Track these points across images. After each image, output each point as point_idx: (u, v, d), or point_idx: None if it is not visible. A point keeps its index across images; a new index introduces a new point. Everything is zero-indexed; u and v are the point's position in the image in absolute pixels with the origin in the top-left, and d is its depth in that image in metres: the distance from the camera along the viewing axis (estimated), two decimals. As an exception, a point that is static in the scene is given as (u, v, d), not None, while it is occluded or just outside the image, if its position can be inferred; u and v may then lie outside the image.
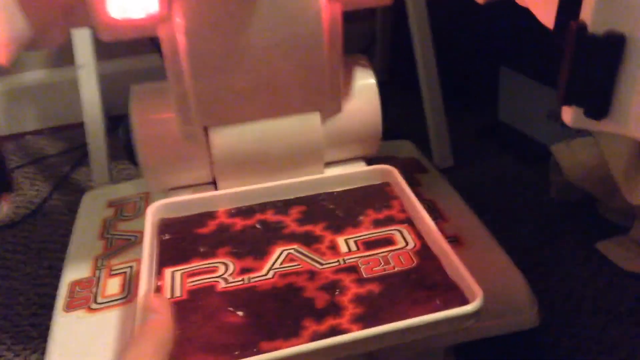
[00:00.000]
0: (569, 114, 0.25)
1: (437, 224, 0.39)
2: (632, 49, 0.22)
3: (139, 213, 0.53)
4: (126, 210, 0.54)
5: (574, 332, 0.51)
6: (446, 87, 0.73)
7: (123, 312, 0.42)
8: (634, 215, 0.57)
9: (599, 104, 0.24)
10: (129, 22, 0.36)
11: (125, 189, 0.58)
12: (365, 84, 0.47)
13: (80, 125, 0.71)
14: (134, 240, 0.49)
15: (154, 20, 0.37)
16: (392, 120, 0.48)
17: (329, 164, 0.48)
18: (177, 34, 0.39)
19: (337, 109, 0.45)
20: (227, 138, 0.43)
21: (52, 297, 0.45)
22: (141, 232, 0.49)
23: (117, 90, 0.59)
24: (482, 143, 0.80)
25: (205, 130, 0.43)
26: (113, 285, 0.45)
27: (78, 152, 0.84)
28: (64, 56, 0.89)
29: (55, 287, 0.46)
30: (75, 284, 0.46)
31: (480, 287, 0.33)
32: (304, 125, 0.44)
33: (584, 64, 0.23)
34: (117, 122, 0.47)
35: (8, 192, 0.31)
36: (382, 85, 0.47)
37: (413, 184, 0.53)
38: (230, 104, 0.42)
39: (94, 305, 0.43)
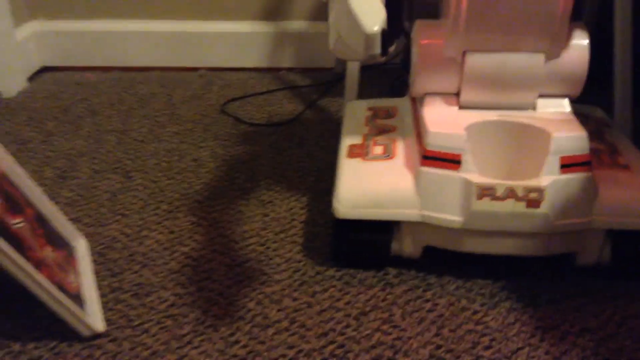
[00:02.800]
0: None
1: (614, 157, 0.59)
2: None
3: (390, 115, 0.75)
4: (381, 113, 0.76)
5: None
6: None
7: (386, 164, 0.64)
8: None
9: None
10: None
11: (379, 102, 0.80)
12: (579, 42, 0.62)
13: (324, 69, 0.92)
14: (389, 129, 0.71)
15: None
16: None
17: (542, 96, 0.65)
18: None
19: (557, 54, 0.62)
20: (476, 61, 0.62)
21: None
22: (393, 126, 0.71)
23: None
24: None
25: (463, 54, 0.63)
26: (377, 150, 0.67)
27: (322, 88, 1.09)
28: (322, 11, 1.14)
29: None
30: (352, 146, 0.68)
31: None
32: (533, 62, 0.61)
33: None
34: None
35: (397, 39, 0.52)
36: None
37: (601, 134, 0.70)
38: (485, 36, 0.61)
39: (366, 158, 0.65)
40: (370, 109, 0.78)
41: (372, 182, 0.61)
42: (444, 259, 0.63)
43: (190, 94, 1.08)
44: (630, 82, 0.83)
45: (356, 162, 0.65)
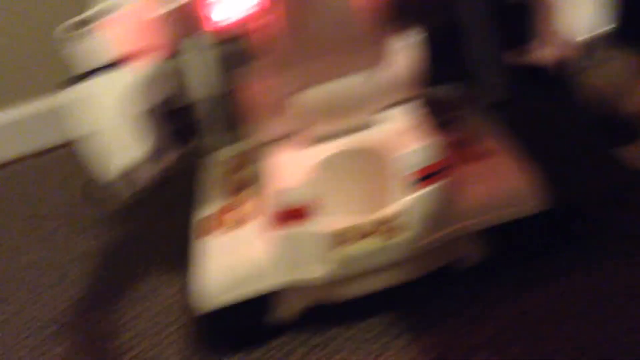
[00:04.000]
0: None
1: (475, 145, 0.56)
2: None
3: (253, 160, 0.68)
4: (245, 161, 0.70)
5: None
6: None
7: (240, 233, 0.59)
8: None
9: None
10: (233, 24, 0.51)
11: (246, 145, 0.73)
12: (406, 43, 0.59)
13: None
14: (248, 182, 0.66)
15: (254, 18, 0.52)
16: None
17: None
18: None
19: (386, 64, 0.58)
20: (304, 99, 0.58)
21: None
22: (253, 178, 0.66)
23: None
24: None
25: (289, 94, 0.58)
26: (232, 216, 0.62)
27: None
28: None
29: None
30: (204, 219, 0.63)
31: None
32: (363, 81, 0.58)
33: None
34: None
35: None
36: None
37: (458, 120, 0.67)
38: (304, 70, 0.56)
39: (220, 230, 0.60)
40: (225, 161, 0.73)
41: (225, 260, 0.57)
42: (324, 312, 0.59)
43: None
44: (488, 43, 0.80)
45: (209, 240, 0.60)
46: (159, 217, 0.83)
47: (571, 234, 0.60)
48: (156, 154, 0.53)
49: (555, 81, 0.52)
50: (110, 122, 0.52)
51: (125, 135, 0.51)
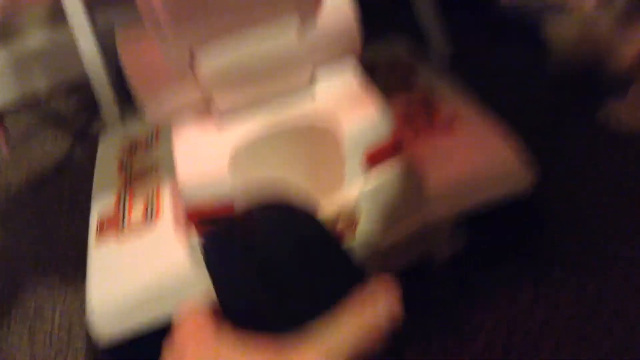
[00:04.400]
0: None
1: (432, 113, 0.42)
2: None
3: (149, 145, 0.56)
4: (140, 145, 0.57)
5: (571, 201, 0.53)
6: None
7: (148, 237, 0.46)
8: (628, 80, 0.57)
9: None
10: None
11: (136, 126, 0.60)
12: None
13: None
14: (149, 170, 0.53)
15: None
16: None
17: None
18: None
19: (312, 14, 0.45)
20: (212, 60, 0.44)
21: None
22: (154, 164, 0.53)
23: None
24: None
25: (192, 56, 0.44)
26: (136, 213, 0.48)
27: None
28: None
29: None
30: (102, 219, 0.49)
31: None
32: (286, 34, 0.44)
33: None
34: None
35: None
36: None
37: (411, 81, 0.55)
38: (206, 22, 0.42)
39: (122, 233, 0.47)
40: (125, 141, 0.59)
41: (131, 274, 0.43)
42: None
43: None
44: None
45: (108, 246, 0.46)
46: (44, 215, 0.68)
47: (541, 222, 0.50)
48: None
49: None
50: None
51: None
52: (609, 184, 0.54)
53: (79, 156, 0.78)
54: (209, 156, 0.43)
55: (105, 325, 0.42)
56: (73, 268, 0.60)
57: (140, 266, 0.44)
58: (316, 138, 0.43)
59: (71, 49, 0.89)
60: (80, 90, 0.92)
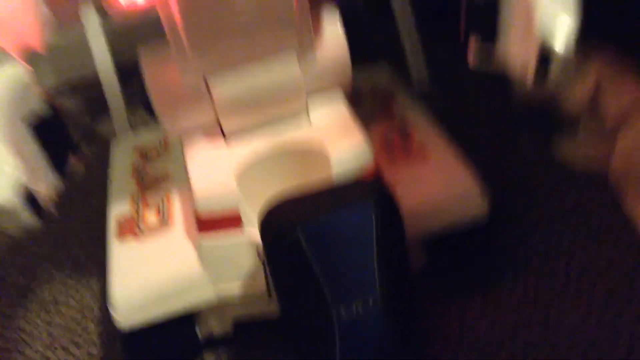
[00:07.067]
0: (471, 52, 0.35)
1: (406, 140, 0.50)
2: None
3: (160, 153, 0.63)
4: (151, 153, 0.64)
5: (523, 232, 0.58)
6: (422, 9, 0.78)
7: (163, 238, 0.53)
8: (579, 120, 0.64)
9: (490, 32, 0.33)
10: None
11: (148, 135, 0.67)
12: (331, 28, 0.53)
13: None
14: (161, 177, 0.60)
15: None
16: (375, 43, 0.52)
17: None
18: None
19: (310, 48, 0.52)
20: (222, 84, 0.51)
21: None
22: (165, 172, 0.60)
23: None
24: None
25: (205, 79, 0.51)
26: (150, 217, 0.55)
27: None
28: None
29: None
30: (120, 220, 0.56)
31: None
32: (286, 64, 0.51)
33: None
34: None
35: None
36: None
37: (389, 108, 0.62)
38: (218, 52, 0.49)
39: (140, 234, 0.54)
40: (137, 149, 0.66)
41: (150, 270, 0.51)
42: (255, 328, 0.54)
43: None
44: (415, 29, 0.75)
45: (128, 245, 0.53)
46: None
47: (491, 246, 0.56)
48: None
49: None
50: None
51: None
52: (554, 212, 0.60)
53: (86, 155, 0.84)
54: (219, 170, 0.50)
55: (126, 314, 0.49)
56: (83, 266, 0.66)
57: (159, 264, 0.51)
58: (311, 160, 0.50)
59: (76, 48, 0.96)
60: (85, 89, 0.97)
